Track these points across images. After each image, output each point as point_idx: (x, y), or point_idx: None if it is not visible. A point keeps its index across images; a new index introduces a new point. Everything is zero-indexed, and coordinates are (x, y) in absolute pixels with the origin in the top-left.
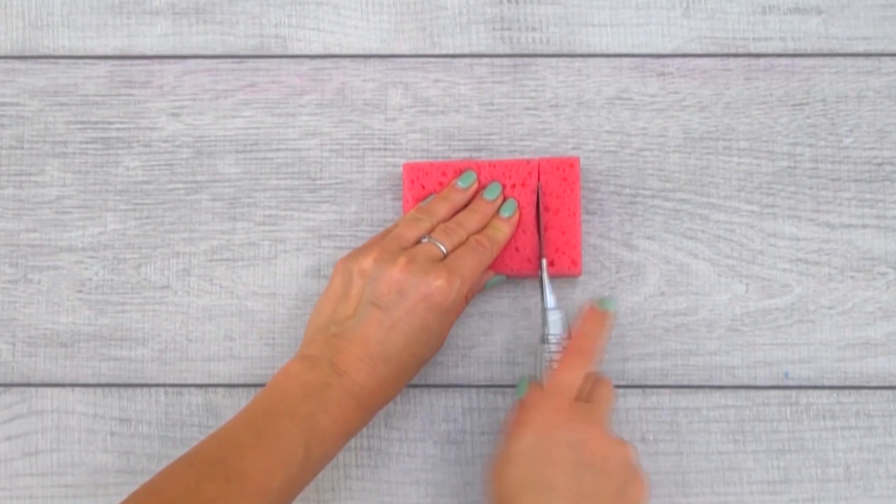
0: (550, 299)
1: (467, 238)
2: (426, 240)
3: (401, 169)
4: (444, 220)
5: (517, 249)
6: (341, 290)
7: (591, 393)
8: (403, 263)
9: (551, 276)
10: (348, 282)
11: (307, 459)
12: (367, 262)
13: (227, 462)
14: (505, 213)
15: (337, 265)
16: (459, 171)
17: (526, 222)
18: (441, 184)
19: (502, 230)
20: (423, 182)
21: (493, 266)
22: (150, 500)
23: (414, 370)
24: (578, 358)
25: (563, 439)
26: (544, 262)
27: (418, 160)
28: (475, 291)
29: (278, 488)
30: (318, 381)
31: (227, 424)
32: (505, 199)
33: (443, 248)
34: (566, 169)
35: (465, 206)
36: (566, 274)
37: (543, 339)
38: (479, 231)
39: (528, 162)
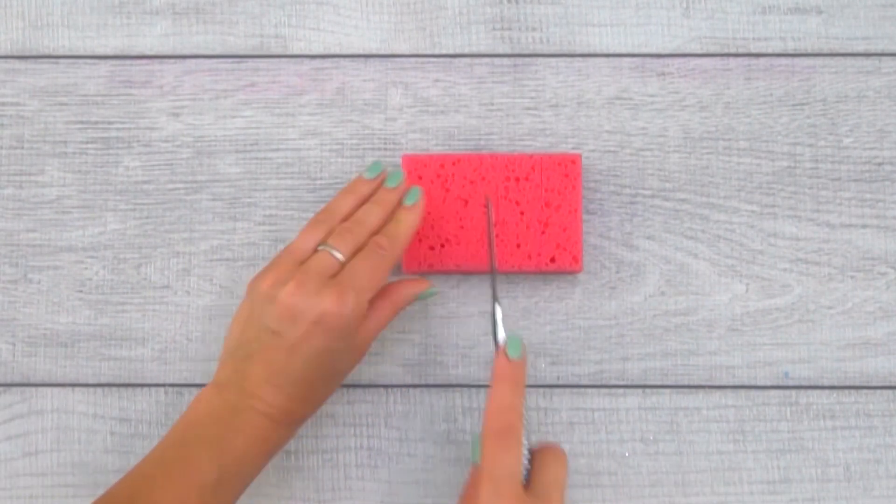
0: (501, 336)
1: (367, 238)
2: (322, 247)
3: (401, 169)
4: (346, 218)
5: (518, 246)
6: (245, 313)
7: (540, 472)
8: (292, 288)
9: (553, 272)
10: (251, 305)
11: (222, 482)
12: (265, 286)
13: (135, 497)
14: (408, 202)
15: (248, 284)
16: (458, 163)
17: (530, 218)
18: (439, 176)
19: (405, 222)
20: (421, 173)
21: (498, 264)
22: None
23: (328, 385)
24: (507, 440)
25: None
26: (496, 306)
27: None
28: (401, 305)
29: None
30: (226, 405)
31: (142, 461)
32: (410, 188)
33: (338, 255)
34: (568, 165)
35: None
36: (567, 270)
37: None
38: (383, 225)
39: (531, 157)
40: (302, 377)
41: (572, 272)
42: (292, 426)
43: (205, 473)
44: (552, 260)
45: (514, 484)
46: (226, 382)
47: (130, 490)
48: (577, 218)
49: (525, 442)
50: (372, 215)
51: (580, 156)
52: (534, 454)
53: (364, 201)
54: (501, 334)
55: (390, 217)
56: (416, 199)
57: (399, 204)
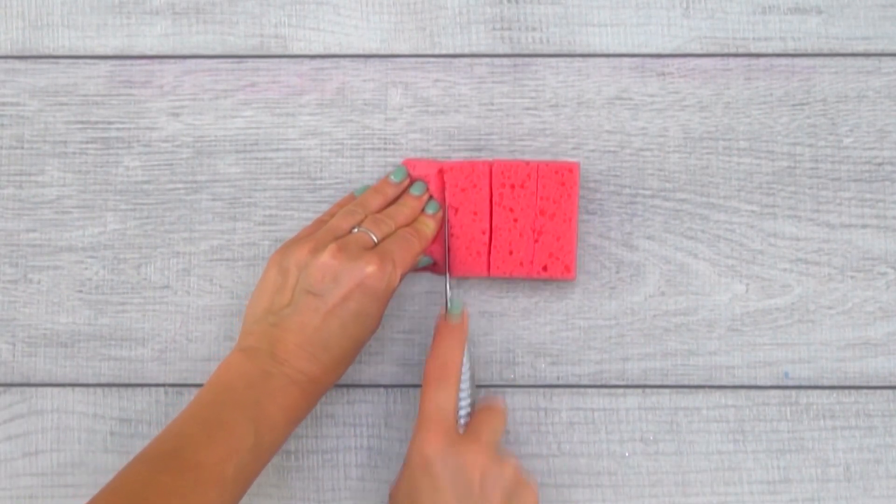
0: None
1: (396, 229)
2: (357, 230)
3: None
4: (376, 212)
5: (510, 253)
6: (277, 281)
7: (475, 419)
8: (334, 250)
9: (546, 279)
10: (283, 273)
11: (258, 446)
12: (302, 253)
13: (180, 454)
14: (430, 210)
15: (272, 257)
16: (452, 170)
17: (523, 225)
18: (439, 181)
19: (429, 226)
20: (421, 179)
21: (485, 270)
22: (110, 498)
23: (353, 353)
24: (440, 383)
25: (441, 469)
26: (447, 276)
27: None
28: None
29: (233, 476)
30: (259, 371)
31: (176, 420)
32: (430, 198)
33: (374, 236)
34: (564, 174)
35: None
36: (559, 278)
37: None
38: (408, 224)
39: (528, 164)
40: (333, 342)
41: (565, 280)
42: (315, 395)
43: (242, 437)
44: (544, 268)
45: (443, 418)
46: (255, 348)
47: (174, 445)
48: (572, 227)
49: (468, 398)
50: (400, 214)
51: (578, 164)
52: (475, 407)
53: (390, 202)
54: (448, 296)
55: (413, 221)
56: (436, 209)
57: (422, 211)
